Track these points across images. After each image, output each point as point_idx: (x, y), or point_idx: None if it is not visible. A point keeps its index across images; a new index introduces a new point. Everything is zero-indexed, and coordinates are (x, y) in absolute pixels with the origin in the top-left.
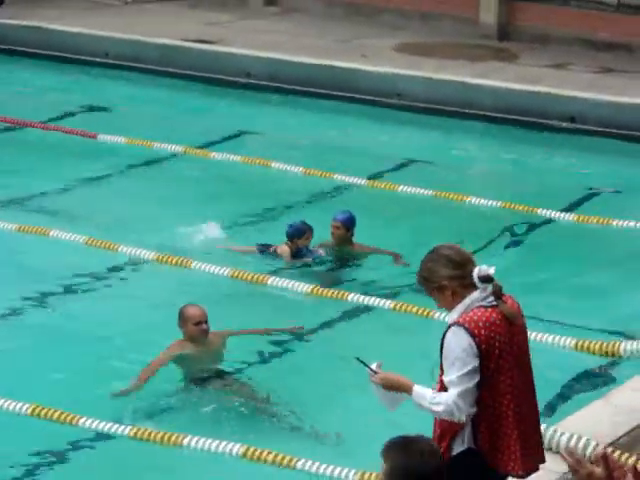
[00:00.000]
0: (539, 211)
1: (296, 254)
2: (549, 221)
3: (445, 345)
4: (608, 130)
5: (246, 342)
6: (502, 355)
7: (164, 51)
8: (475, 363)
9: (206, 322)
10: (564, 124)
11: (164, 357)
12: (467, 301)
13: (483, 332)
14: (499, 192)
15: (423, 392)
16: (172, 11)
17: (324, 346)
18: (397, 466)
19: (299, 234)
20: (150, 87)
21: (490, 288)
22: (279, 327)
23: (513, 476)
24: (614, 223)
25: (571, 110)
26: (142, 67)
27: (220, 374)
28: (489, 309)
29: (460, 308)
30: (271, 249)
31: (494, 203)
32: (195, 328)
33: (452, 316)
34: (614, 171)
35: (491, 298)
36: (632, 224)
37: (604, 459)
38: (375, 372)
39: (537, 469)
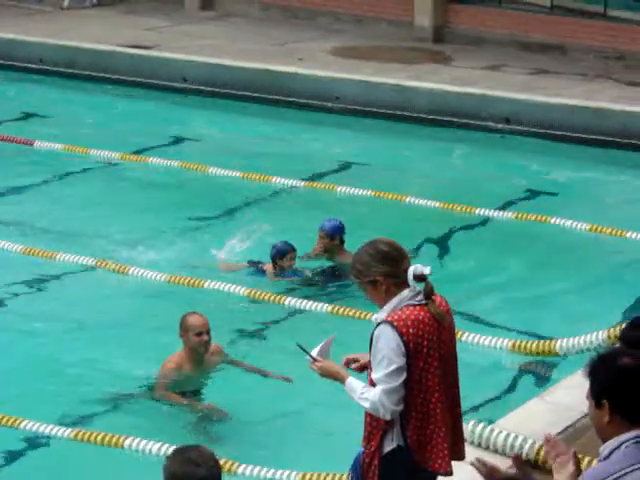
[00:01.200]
0: (476, 211)
1: (279, 274)
2: (486, 220)
3: (373, 343)
4: (543, 131)
5: None
6: (430, 353)
7: (99, 57)
8: (402, 362)
9: (208, 332)
10: (499, 125)
11: (164, 381)
12: (396, 299)
13: (411, 331)
14: (437, 192)
15: (355, 386)
16: (108, 17)
17: (259, 347)
18: (166, 472)
19: (280, 255)
20: (86, 93)
21: (421, 287)
22: (273, 373)
23: (441, 474)
24: (551, 222)
25: (506, 111)
26: (77, 73)
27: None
28: (418, 307)
29: (389, 306)
30: (259, 266)
31: (432, 203)
32: (196, 338)
33: (380, 314)
34: (550, 172)
35: (420, 296)
36: (569, 223)
37: (516, 461)
38: (314, 359)
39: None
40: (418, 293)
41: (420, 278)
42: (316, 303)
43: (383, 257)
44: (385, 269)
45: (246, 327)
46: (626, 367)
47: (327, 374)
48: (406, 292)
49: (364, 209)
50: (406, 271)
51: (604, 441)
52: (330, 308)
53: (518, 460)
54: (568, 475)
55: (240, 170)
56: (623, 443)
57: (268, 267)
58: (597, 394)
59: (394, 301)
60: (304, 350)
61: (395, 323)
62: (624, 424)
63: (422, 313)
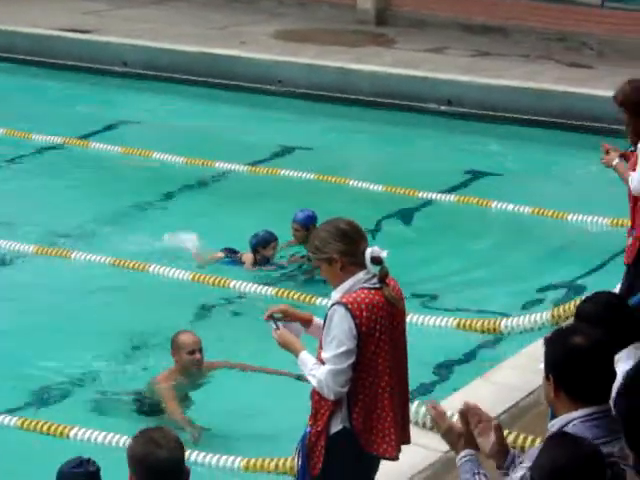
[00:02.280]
0: (419, 194)
1: (259, 263)
2: (429, 203)
3: (326, 322)
4: (485, 112)
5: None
6: (382, 338)
7: (38, 41)
8: (352, 345)
9: (200, 351)
10: (442, 107)
11: (171, 394)
12: (351, 281)
13: (365, 314)
14: (380, 175)
15: (306, 360)
16: (48, 0)
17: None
18: (129, 452)
19: (263, 244)
20: (25, 77)
21: (377, 270)
22: (275, 369)
23: (386, 458)
24: (493, 205)
25: (448, 93)
26: (16, 57)
27: None
28: (372, 291)
29: (343, 287)
30: (237, 255)
31: (375, 186)
32: (189, 357)
33: (334, 295)
34: (492, 153)
35: (375, 280)
36: (511, 206)
37: (462, 415)
38: (277, 327)
39: (400, 450)
40: (373, 276)
41: (377, 261)
42: (261, 286)
43: (342, 235)
44: (342, 247)
45: (191, 311)
46: (577, 347)
47: (284, 344)
48: (361, 274)
49: (307, 193)
50: (363, 253)
51: (556, 415)
52: (274, 292)
53: (464, 415)
54: (491, 443)
55: (182, 155)
56: (571, 421)
57: (246, 257)
58: (546, 367)
59: (349, 282)
60: (273, 319)
61: (349, 305)
62: (571, 401)
63: (377, 297)
